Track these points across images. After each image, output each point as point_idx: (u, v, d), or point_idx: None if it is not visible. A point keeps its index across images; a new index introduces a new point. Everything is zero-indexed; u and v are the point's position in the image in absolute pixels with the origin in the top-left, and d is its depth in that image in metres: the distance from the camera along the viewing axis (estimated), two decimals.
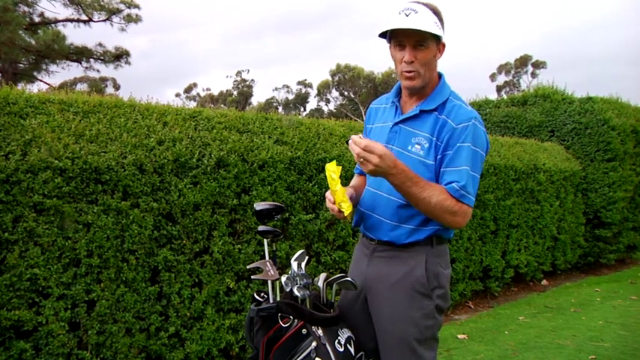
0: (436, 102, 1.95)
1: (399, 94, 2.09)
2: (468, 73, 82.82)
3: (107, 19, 21.66)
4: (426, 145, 1.92)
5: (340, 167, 1.93)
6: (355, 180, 2.27)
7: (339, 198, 1.91)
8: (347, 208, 1.91)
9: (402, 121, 2.00)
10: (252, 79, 51.79)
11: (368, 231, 2.10)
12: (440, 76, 2.04)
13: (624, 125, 7.80)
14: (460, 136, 1.87)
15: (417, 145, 1.94)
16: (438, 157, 1.91)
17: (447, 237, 2.06)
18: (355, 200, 2.12)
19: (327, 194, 1.98)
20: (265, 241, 2.12)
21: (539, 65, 47.39)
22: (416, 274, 1.96)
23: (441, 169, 1.90)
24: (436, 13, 1.91)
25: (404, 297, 1.96)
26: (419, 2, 1.90)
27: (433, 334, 2.01)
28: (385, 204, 2.01)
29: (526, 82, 45.63)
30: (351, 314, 2.12)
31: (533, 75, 47.05)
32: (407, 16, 1.85)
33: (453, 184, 1.84)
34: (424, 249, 1.98)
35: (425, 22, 1.85)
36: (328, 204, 1.98)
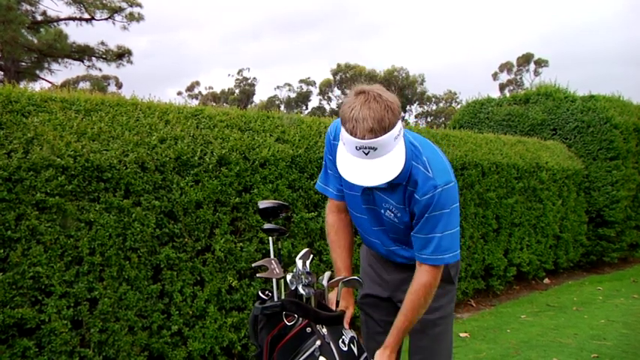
0: (403, 175, 1.80)
1: None
2: (469, 72, 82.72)
3: (109, 17, 21.62)
4: (398, 214, 1.92)
5: None
6: (338, 232, 2.15)
7: None
8: None
9: (372, 188, 1.92)
10: (254, 78, 51.76)
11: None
12: None
13: (627, 123, 7.78)
14: (427, 207, 1.82)
15: (388, 211, 1.93)
16: (415, 220, 1.89)
17: None
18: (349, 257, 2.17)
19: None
20: (270, 239, 2.11)
21: (541, 63, 47.28)
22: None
23: (412, 234, 1.91)
24: (393, 122, 1.65)
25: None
26: (377, 132, 1.62)
27: (452, 312, 2.20)
28: (384, 250, 2.11)
29: (529, 81, 45.55)
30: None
31: (536, 73, 46.97)
32: (366, 154, 1.65)
33: (422, 255, 1.89)
34: None
35: (389, 162, 1.67)
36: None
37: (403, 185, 1.86)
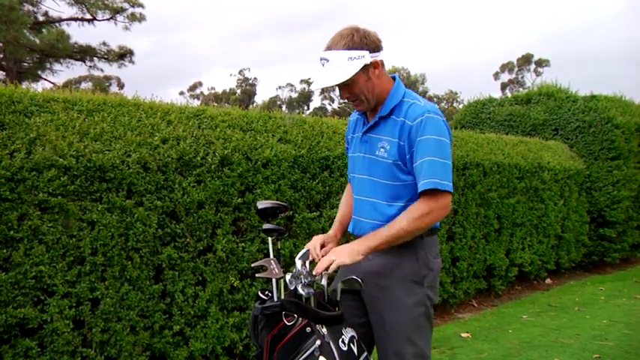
0: (389, 106, 2.06)
1: None
2: (470, 71, 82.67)
3: (111, 17, 21.67)
4: (388, 147, 2.04)
5: None
6: (346, 199, 2.36)
7: None
8: None
9: (367, 131, 2.13)
10: (255, 78, 51.87)
11: (360, 232, 2.16)
12: (394, 78, 2.14)
13: (628, 123, 7.77)
14: (418, 131, 1.97)
15: (381, 149, 2.06)
16: (407, 156, 2.01)
17: (435, 227, 2.14)
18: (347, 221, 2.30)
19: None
20: (270, 239, 2.12)
21: (542, 63, 47.22)
22: (410, 264, 2.05)
23: (413, 166, 1.99)
24: (351, 45, 1.96)
25: (399, 286, 2.05)
26: (332, 47, 1.98)
27: (426, 322, 2.09)
28: (369, 207, 2.11)
29: (530, 80, 45.51)
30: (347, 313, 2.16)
31: (537, 73, 46.91)
32: (323, 66, 2.00)
33: (426, 180, 1.93)
34: (415, 240, 2.04)
35: (336, 73, 1.95)
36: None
37: (395, 120, 2.04)
